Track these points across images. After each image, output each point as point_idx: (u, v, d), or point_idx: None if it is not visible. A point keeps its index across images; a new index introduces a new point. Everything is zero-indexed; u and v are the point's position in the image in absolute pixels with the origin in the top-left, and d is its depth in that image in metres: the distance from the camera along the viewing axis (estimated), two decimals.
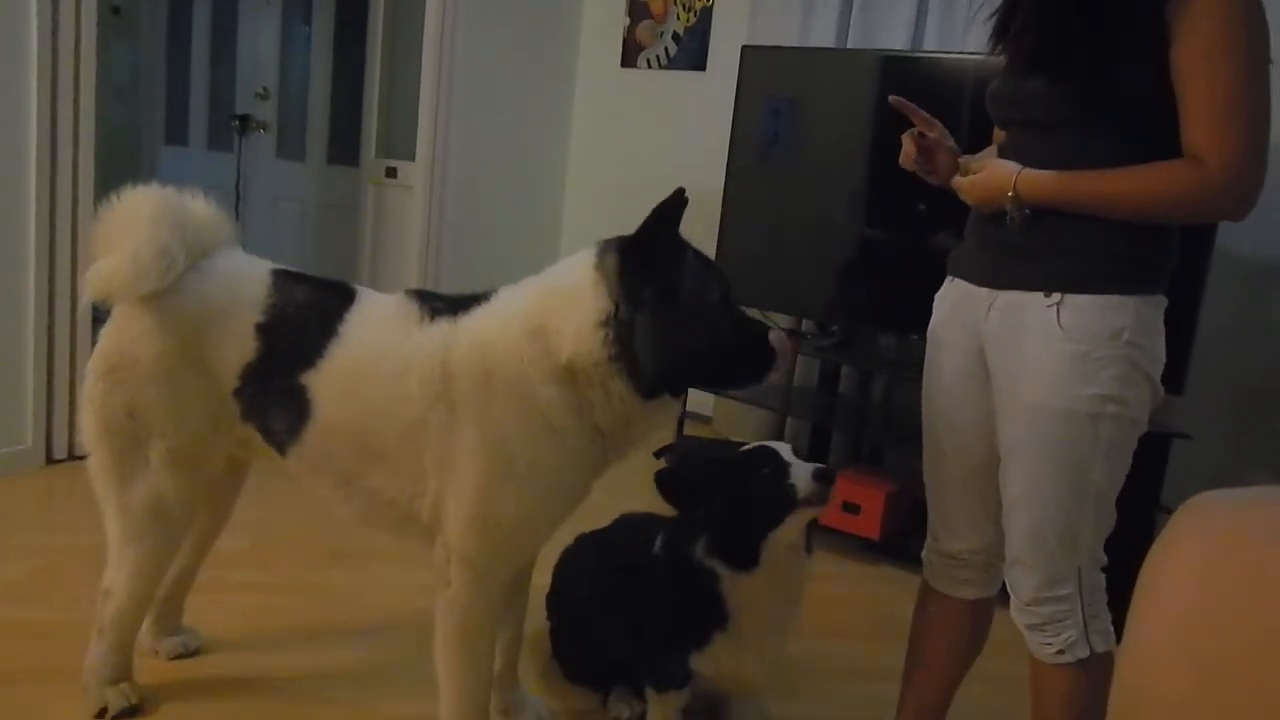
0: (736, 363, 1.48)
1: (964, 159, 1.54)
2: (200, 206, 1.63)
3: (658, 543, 1.78)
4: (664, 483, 1.69)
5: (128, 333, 1.55)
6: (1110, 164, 1.35)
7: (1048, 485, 1.41)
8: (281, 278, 1.59)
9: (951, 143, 1.55)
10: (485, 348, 1.46)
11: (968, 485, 1.57)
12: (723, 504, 1.63)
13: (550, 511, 1.53)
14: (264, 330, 1.53)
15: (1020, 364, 1.42)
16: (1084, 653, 1.44)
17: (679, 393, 1.51)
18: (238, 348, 1.53)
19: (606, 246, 1.46)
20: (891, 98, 1.55)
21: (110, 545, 1.64)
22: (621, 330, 1.40)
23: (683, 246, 1.45)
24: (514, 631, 1.76)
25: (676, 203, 1.41)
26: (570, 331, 1.42)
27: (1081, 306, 1.37)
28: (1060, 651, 1.45)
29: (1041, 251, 1.40)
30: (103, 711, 1.67)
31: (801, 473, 1.59)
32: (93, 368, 1.58)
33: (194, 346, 1.54)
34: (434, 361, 1.46)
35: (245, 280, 1.58)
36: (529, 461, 1.45)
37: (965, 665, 1.70)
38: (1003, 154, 1.48)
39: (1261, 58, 1.29)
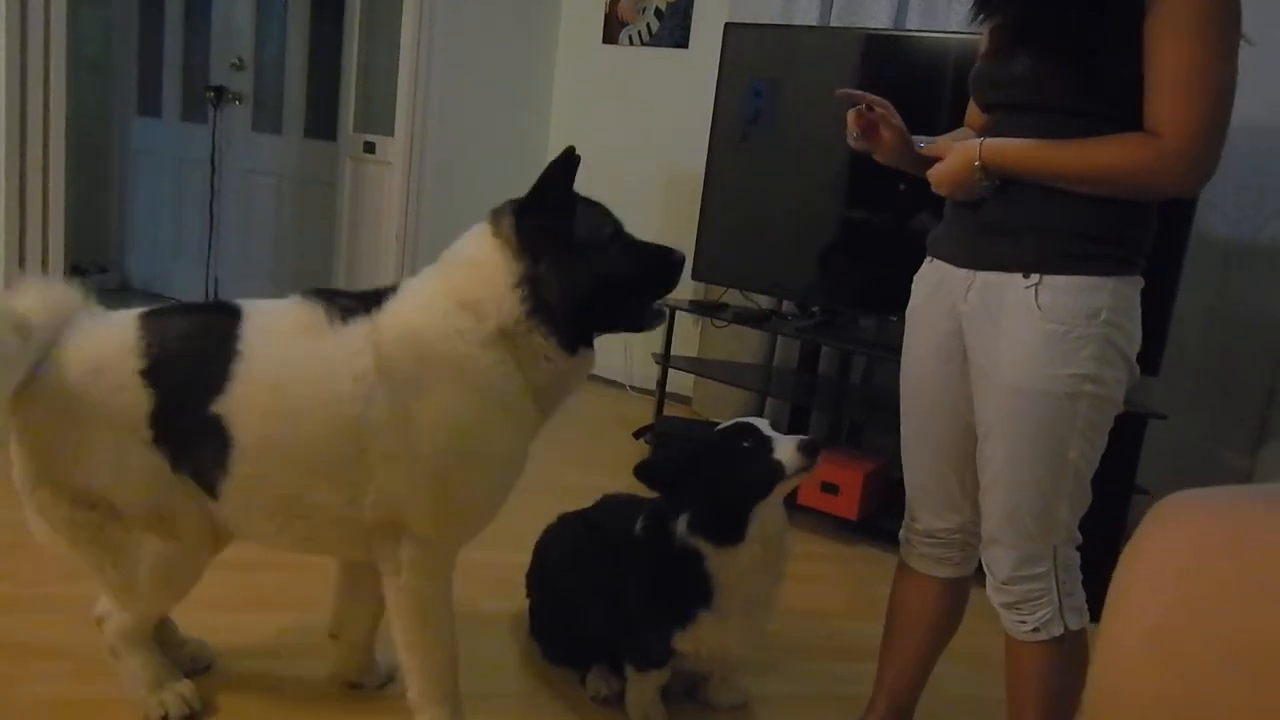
0: (640, 286, 1.55)
1: (915, 139, 1.54)
2: (30, 295, 1.49)
3: (638, 523, 1.78)
4: (644, 473, 1.69)
5: (28, 437, 1.48)
6: None
7: (1025, 465, 1.42)
8: (149, 318, 1.52)
9: (898, 120, 1.55)
10: (414, 332, 1.46)
11: (945, 465, 1.58)
12: (707, 482, 1.64)
13: (505, 482, 1.55)
14: (150, 374, 1.46)
15: (998, 344, 1.42)
16: (1058, 630, 1.45)
17: (590, 339, 1.54)
18: (132, 400, 1.45)
19: (499, 211, 1.50)
20: (837, 91, 1.56)
21: (106, 590, 1.59)
22: (534, 286, 1.45)
23: (573, 199, 1.50)
24: (379, 604, 1.74)
25: (567, 162, 1.47)
26: (492, 298, 1.45)
27: (1060, 287, 1.37)
28: (1035, 630, 1.46)
29: (1020, 232, 1.41)
30: (164, 718, 1.63)
31: (786, 446, 1.62)
32: (20, 488, 1.51)
33: (92, 415, 1.46)
34: (363, 358, 1.44)
35: (109, 334, 1.50)
36: (481, 435, 1.46)
37: (941, 644, 1.71)
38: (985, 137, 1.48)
39: (1230, 34, 1.29)
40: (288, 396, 1.44)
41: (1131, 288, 1.40)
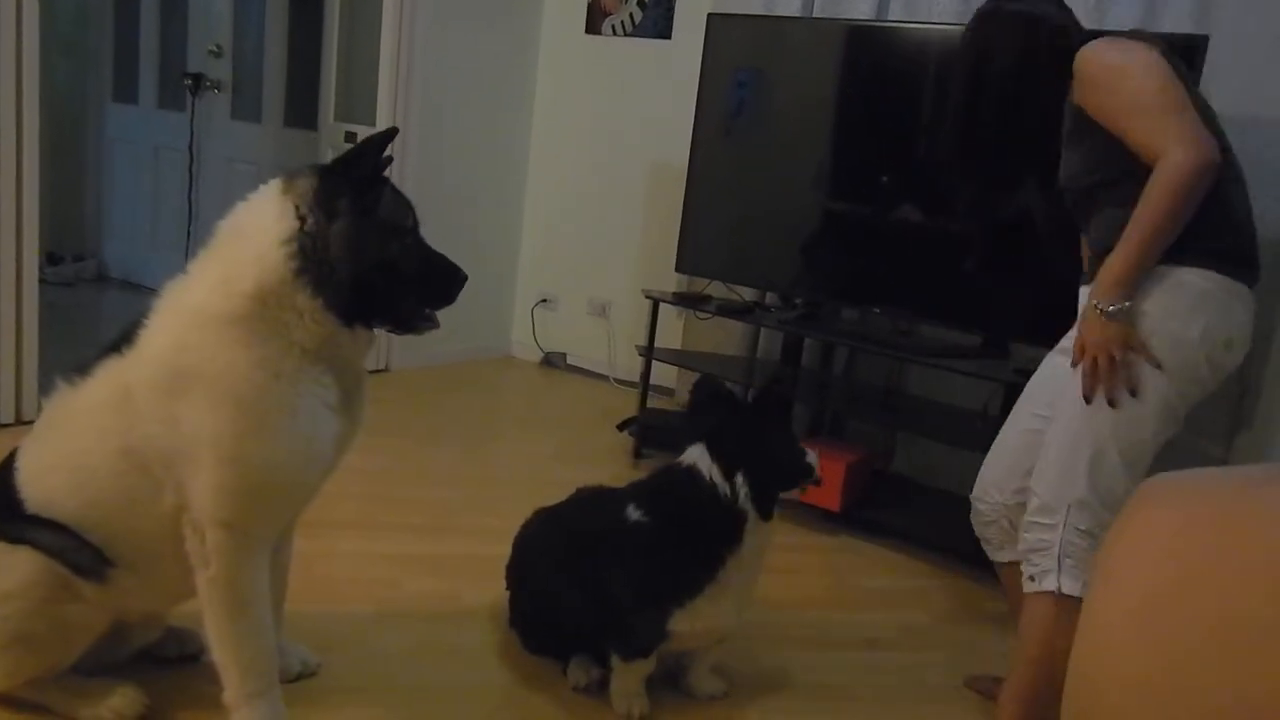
0: (422, 287, 1.53)
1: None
2: None
3: (631, 510, 1.77)
4: (709, 389, 1.82)
5: None
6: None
7: (1066, 413, 1.61)
8: None
9: None
10: (165, 335, 1.45)
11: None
12: (789, 459, 1.78)
13: (297, 450, 1.46)
14: None
15: None
16: (1051, 585, 1.55)
17: (369, 320, 1.50)
18: None
19: (298, 171, 1.47)
20: None
21: None
22: (307, 242, 1.42)
23: (384, 178, 1.50)
24: (278, 593, 1.73)
25: (386, 136, 1.47)
26: (251, 259, 1.42)
27: None
28: (1031, 579, 1.58)
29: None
30: None
31: (813, 455, 1.81)
32: None
33: None
34: (116, 393, 1.45)
35: None
36: (252, 402, 1.41)
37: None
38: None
39: (1140, 75, 1.54)
40: (69, 474, 1.49)
41: (1160, 280, 1.54)
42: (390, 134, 1.48)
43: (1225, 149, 1.57)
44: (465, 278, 1.56)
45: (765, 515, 1.72)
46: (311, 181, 1.45)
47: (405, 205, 1.52)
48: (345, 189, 1.44)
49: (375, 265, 1.46)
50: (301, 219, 1.42)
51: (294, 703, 1.64)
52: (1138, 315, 1.53)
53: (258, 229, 1.44)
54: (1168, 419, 1.57)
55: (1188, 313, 1.52)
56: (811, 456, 1.81)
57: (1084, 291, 1.68)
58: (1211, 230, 1.53)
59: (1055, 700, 1.53)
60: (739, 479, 1.70)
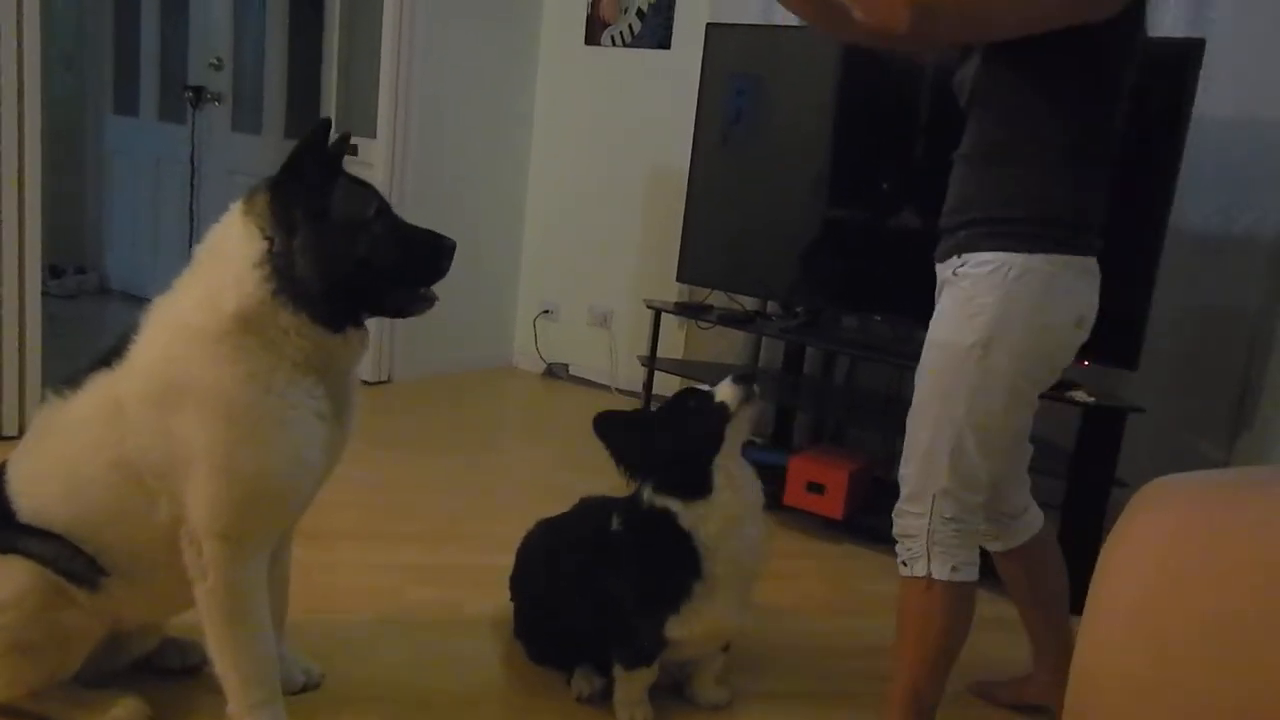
0: (404, 271, 1.51)
1: None
2: None
3: (614, 521, 1.79)
4: (601, 421, 1.76)
5: None
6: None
7: (922, 404, 1.59)
8: None
9: None
10: (154, 349, 1.45)
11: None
12: (661, 439, 1.73)
13: (288, 459, 1.46)
14: None
15: None
16: (921, 571, 1.58)
17: (359, 318, 1.50)
18: None
19: (255, 189, 1.46)
20: None
21: None
22: (279, 262, 1.41)
23: (335, 172, 1.46)
24: (279, 604, 1.73)
25: (320, 131, 1.43)
26: (230, 282, 1.41)
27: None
28: (904, 564, 1.61)
29: None
30: None
31: (723, 388, 1.73)
32: None
33: None
34: (107, 406, 1.45)
35: None
36: (241, 415, 1.41)
37: (1042, 604, 1.85)
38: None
39: None
40: (59, 482, 1.49)
41: (1005, 270, 1.51)
42: (324, 126, 1.44)
43: (1110, 115, 1.48)
44: (452, 245, 1.52)
45: (698, 494, 1.67)
46: (265, 198, 1.43)
47: (365, 194, 1.48)
48: (296, 198, 1.42)
49: (349, 266, 1.44)
50: (269, 239, 1.41)
51: (295, 712, 1.64)
52: (983, 308, 1.49)
53: (231, 254, 1.43)
54: (1019, 403, 1.55)
55: (1036, 300, 1.48)
56: (722, 392, 1.71)
57: (940, 269, 1.62)
58: (1054, 218, 1.48)
59: (938, 676, 1.61)
60: (642, 488, 1.72)
